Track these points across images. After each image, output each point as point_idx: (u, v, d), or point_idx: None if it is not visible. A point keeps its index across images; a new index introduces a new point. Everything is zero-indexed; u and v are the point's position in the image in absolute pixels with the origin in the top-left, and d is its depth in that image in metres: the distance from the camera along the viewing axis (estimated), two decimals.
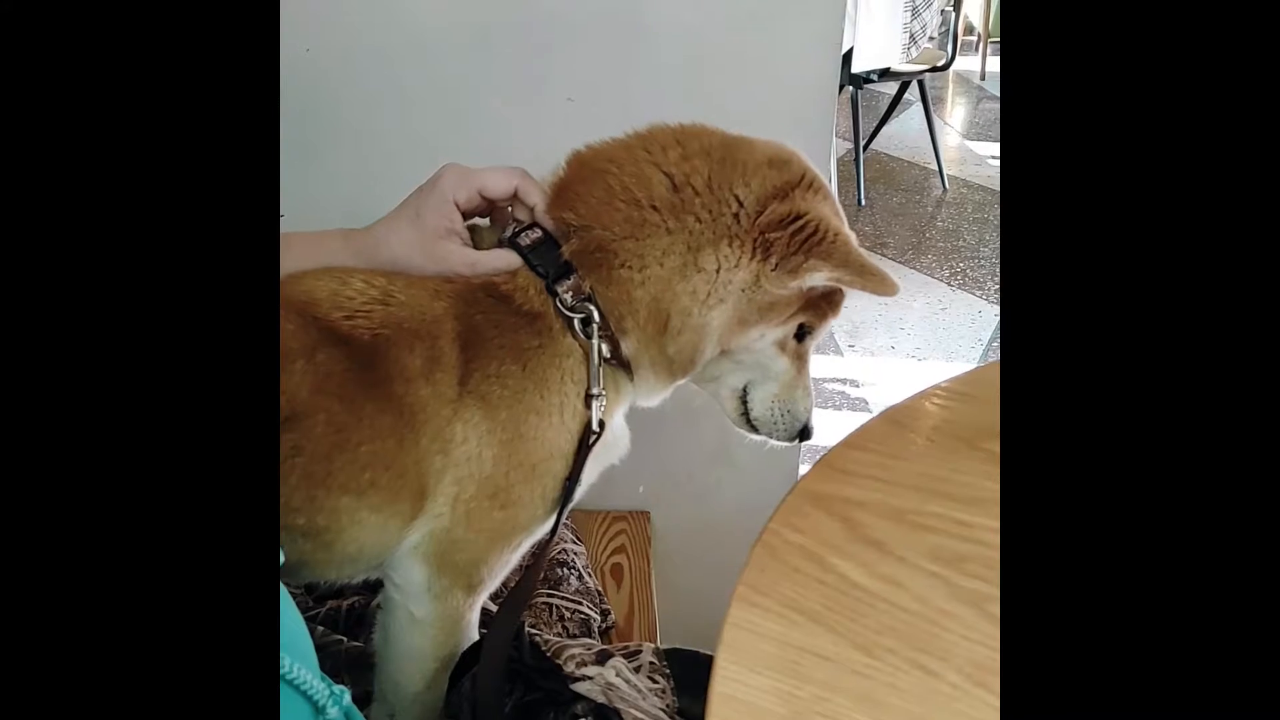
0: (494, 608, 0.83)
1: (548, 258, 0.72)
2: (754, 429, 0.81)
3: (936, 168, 3.91)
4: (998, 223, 3.54)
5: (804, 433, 0.80)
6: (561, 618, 0.96)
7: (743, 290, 0.72)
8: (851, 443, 0.72)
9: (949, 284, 3.11)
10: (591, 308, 0.71)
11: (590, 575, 1.05)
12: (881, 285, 0.71)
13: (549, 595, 0.98)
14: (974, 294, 3.05)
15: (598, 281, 0.72)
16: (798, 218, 0.70)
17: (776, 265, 0.71)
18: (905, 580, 0.58)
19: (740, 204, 0.71)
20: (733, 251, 0.71)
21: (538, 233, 0.74)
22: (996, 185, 3.93)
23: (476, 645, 0.76)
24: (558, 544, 1.03)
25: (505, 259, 0.73)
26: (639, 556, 1.20)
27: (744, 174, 0.72)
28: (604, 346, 0.72)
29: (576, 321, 0.71)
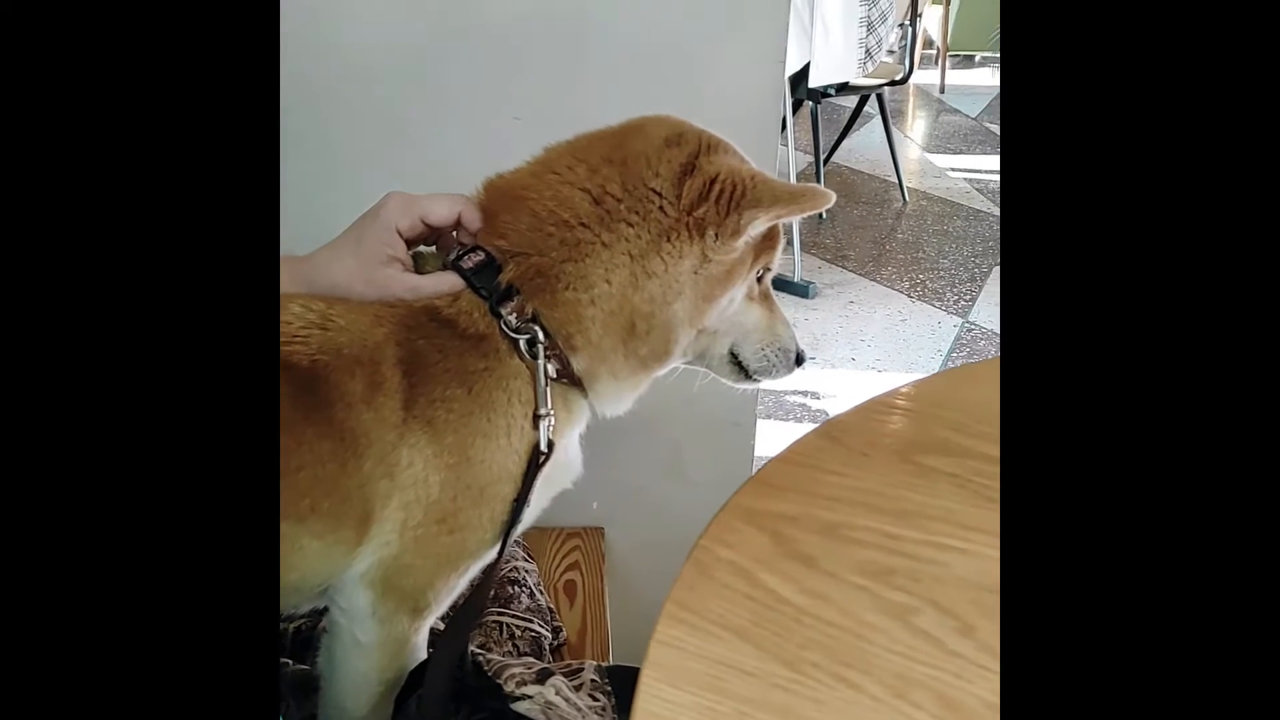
0: (441, 627, 0.84)
1: (491, 280, 0.73)
2: (755, 380, 0.82)
3: (897, 180, 3.96)
4: (958, 235, 3.60)
5: (799, 359, 0.82)
6: (512, 636, 0.96)
7: (695, 273, 0.73)
8: (785, 458, 0.73)
9: (909, 295, 3.14)
10: (536, 328, 0.72)
11: (541, 593, 1.05)
12: (815, 200, 0.73)
13: (499, 613, 0.98)
14: (934, 305, 3.08)
15: (542, 304, 0.73)
16: (713, 182, 0.72)
17: (716, 235, 0.72)
18: (832, 594, 0.59)
19: (660, 195, 0.72)
20: (673, 245, 0.72)
21: (480, 255, 0.74)
22: (956, 198, 3.99)
23: (422, 666, 0.76)
24: (508, 563, 1.03)
25: (448, 282, 0.74)
26: (592, 573, 1.21)
27: (649, 164, 0.73)
28: (552, 366, 0.73)
29: (523, 342, 0.72)
